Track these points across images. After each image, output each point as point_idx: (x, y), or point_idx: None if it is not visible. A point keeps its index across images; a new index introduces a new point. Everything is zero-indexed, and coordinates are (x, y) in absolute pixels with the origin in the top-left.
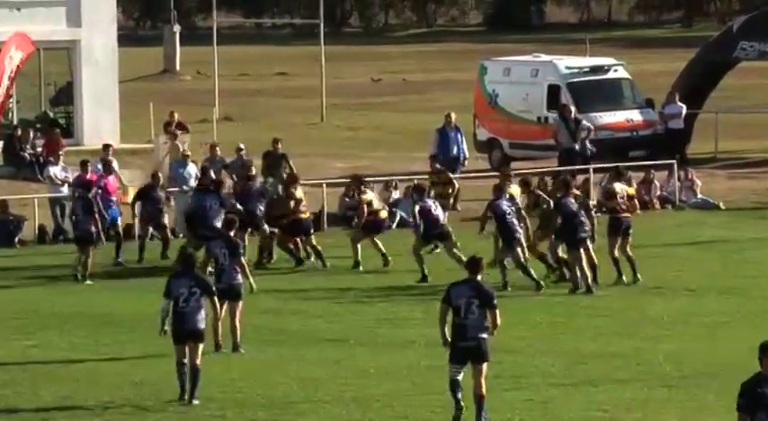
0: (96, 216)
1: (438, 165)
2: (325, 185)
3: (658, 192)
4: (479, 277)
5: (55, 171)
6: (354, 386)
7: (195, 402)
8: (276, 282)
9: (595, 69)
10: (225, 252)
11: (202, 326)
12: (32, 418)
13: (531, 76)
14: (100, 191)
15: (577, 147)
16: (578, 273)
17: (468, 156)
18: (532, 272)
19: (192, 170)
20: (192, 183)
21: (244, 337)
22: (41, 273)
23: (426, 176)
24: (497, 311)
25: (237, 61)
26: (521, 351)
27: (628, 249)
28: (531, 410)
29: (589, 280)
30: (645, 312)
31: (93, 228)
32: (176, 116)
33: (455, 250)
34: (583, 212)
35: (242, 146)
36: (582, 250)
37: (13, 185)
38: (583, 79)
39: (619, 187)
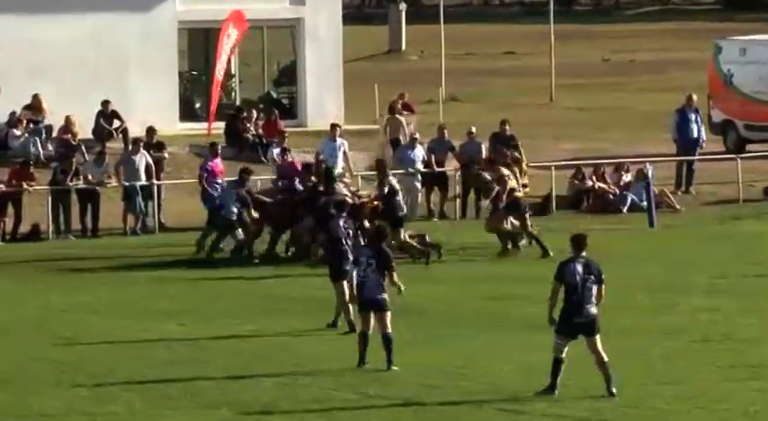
0: None
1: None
2: (553, 168)
3: None
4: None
5: (278, 152)
6: (580, 375)
7: (394, 368)
8: (492, 267)
9: None
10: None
11: (383, 296)
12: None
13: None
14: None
15: None
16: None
17: (705, 138)
18: None
19: (420, 153)
20: (419, 165)
21: (466, 322)
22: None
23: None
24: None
25: (464, 40)
26: (757, 340)
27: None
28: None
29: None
30: None
31: None
32: (406, 97)
33: None
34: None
35: (473, 129)
36: None
37: (235, 167)
38: None
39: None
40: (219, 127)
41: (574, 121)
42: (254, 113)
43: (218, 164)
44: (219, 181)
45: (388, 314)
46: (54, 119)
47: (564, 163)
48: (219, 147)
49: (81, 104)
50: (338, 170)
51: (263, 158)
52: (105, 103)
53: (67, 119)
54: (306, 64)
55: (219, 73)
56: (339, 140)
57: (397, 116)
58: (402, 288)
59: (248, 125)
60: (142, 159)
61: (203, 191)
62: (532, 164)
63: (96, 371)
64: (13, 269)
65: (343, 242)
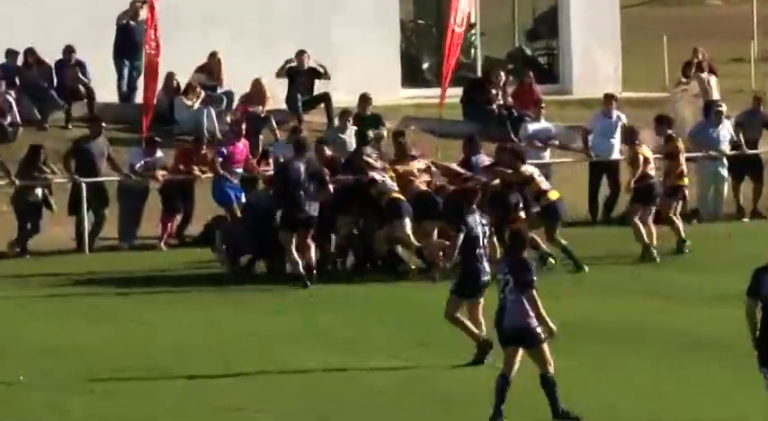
0: None
1: None
2: None
3: None
4: None
5: (534, 128)
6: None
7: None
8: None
9: None
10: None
11: (529, 323)
12: None
13: None
14: None
15: None
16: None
17: None
18: None
19: (726, 130)
20: (725, 147)
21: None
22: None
23: None
24: None
25: None
26: None
27: None
28: None
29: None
30: None
31: None
32: (701, 54)
33: None
34: None
35: None
36: None
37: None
38: None
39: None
40: (456, 95)
41: None
42: (502, 76)
43: (239, 148)
44: (239, 171)
45: (544, 348)
46: (235, 85)
47: None
48: (244, 129)
49: (270, 65)
50: (614, 155)
51: (512, 137)
52: (300, 54)
53: (256, 83)
54: (570, 11)
55: (457, 23)
56: (615, 114)
57: (703, 74)
58: (554, 329)
59: (494, 92)
60: (352, 137)
61: (214, 183)
62: None
63: (280, 409)
64: (179, 281)
65: (482, 243)
